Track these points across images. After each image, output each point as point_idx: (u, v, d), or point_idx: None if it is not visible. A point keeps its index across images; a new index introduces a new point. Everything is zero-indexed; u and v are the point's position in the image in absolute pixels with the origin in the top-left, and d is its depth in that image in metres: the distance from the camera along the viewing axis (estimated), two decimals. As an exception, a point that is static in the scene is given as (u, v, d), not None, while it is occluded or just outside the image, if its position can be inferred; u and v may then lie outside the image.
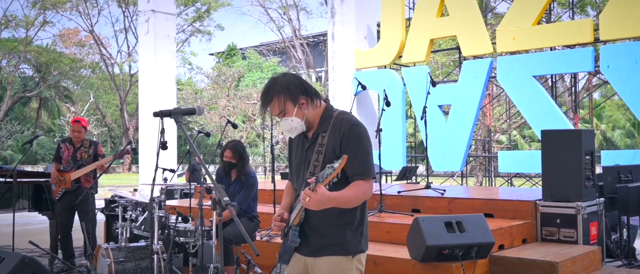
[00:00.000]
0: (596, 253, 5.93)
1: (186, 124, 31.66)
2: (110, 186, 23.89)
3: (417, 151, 15.63)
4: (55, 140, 36.99)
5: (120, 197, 5.82)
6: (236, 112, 29.92)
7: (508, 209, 6.49)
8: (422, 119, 7.64)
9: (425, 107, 7.62)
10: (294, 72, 3.12)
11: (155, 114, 2.94)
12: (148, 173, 17.00)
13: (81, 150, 6.86)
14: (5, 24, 36.71)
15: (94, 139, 7.07)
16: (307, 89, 2.94)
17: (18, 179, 7.18)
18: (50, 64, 39.12)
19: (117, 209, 5.69)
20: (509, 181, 13.82)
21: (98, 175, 6.77)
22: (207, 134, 7.52)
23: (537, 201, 6.38)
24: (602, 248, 6.24)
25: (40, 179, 7.57)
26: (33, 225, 11.08)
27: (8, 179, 7.07)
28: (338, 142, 2.88)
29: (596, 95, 35.29)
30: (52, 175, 6.92)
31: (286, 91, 2.89)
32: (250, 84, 35.36)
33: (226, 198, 2.53)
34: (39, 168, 26.74)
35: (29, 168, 35.76)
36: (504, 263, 5.45)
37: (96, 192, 6.65)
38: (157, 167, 4.70)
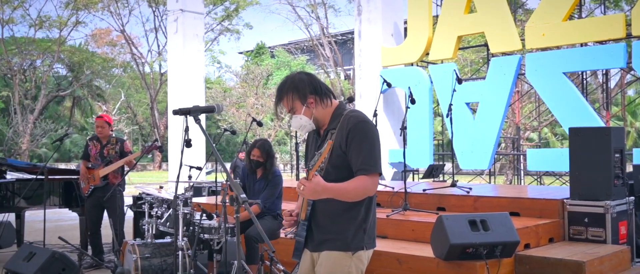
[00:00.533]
0: (625, 253, 5.82)
1: (215, 122, 32.00)
2: (140, 183, 24.27)
3: (445, 149, 15.50)
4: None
5: (147, 194, 5.91)
6: (264, 110, 30.10)
7: (535, 207, 6.41)
8: (447, 116, 7.58)
9: (450, 104, 7.56)
10: (308, 72, 3.14)
11: (175, 112, 2.99)
12: (176, 171, 17.22)
13: (108, 147, 6.98)
14: (40, 25, 37.50)
15: (121, 137, 7.18)
16: (316, 89, 2.97)
17: (49, 177, 7.34)
18: (83, 63, 39.87)
19: (144, 206, 5.78)
20: (539, 180, 13.63)
21: (126, 172, 6.89)
22: (233, 132, 7.57)
23: (565, 200, 6.28)
24: (631, 247, 6.12)
25: (71, 177, 7.73)
26: (65, 221, 11.31)
27: (40, 177, 7.23)
28: (344, 138, 2.90)
29: (631, 92, 34.57)
30: (81, 172, 7.06)
31: (295, 89, 2.95)
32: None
33: (243, 195, 2.56)
34: (72, 166, 27.25)
35: (62, 166, 36.52)
36: (530, 262, 5.39)
37: (124, 189, 6.76)
38: (181, 165, 4.77)
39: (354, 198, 2.90)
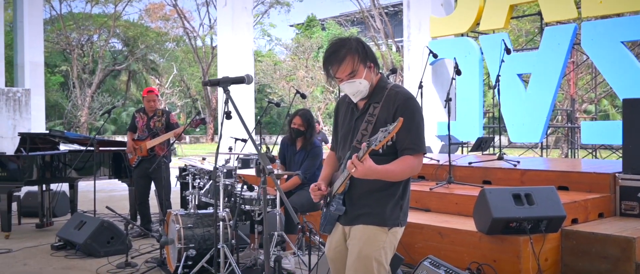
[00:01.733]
0: (679, 230, 5.57)
1: (266, 95, 32.19)
2: (192, 155, 24.77)
3: (497, 121, 15.15)
4: (116, 103, 38.61)
5: (192, 165, 6.00)
6: (314, 83, 30.08)
7: (584, 181, 6.19)
8: (494, 88, 7.38)
9: (498, 75, 7.35)
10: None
11: (204, 84, 2.98)
12: (226, 143, 17.49)
13: (154, 119, 7.10)
14: (96, 1, 38.38)
15: (171, 110, 7.30)
16: (374, 55, 2.90)
17: (99, 148, 7.54)
18: (138, 38, 40.69)
19: (188, 177, 5.87)
20: (594, 153, 13.18)
21: (172, 142, 7.01)
22: (277, 104, 7.59)
23: (617, 174, 6.05)
24: (687, 224, 5.85)
25: (119, 148, 7.92)
26: (118, 191, 11.67)
27: (90, 148, 7.44)
28: (391, 115, 2.82)
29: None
30: (128, 144, 7.22)
31: (362, 51, 2.84)
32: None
33: (269, 166, 2.54)
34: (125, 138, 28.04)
35: (119, 138, 37.60)
36: (576, 238, 5.23)
37: (170, 160, 6.88)
38: (220, 136, 4.80)
39: (400, 179, 2.85)
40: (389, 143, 2.58)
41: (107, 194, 11.43)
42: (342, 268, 3.04)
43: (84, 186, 9.05)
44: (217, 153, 4.83)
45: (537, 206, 5.03)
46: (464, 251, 5.24)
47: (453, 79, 7.01)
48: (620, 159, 12.40)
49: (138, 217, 7.44)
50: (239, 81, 2.94)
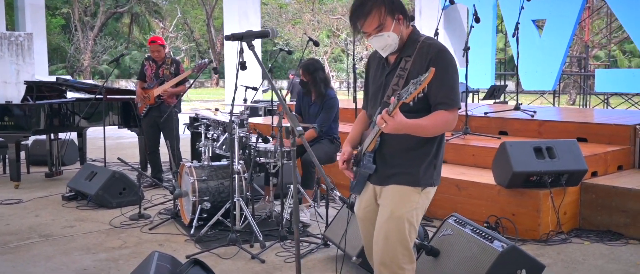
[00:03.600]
0: (701, 183, 5.48)
1: (270, 40, 31.83)
2: (198, 100, 24.61)
3: (507, 68, 14.92)
4: (124, 51, 38.25)
5: (204, 117, 5.87)
6: (320, 27, 29.65)
7: (603, 133, 6.08)
8: (513, 36, 7.16)
9: (517, 23, 7.13)
10: None
11: (227, 38, 2.83)
12: (232, 91, 17.32)
13: (163, 67, 6.95)
14: (96, -60, 37.52)
15: (177, 57, 7.13)
16: (403, 6, 2.73)
17: (107, 96, 7.42)
18: (140, -21, 39.98)
19: (200, 128, 5.76)
20: (606, 101, 13.01)
21: (181, 94, 6.88)
22: (289, 52, 7.40)
23: (637, 125, 5.92)
24: None
25: (128, 97, 7.80)
26: (126, 139, 11.61)
27: (98, 97, 7.32)
28: (424, 68, 2.66)
29: None
30: (137, 93, 7.09)
31: (389, 2, 2.67)
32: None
33: (299, 128, 2.42)
34: (131, 83, 27.83)
35: (123, 82, 37.44)
36: (596, 191, 5.15)
37: (180, 110, 6.77)
38: (236, 87, 4.67)
39: (433, 134, 2.71)
40: (420, 95, 2.44)
41: (114, 141, 11.37)
42: (372, 227, 2.95)
43: (92, 133, 8.98)
44: (232, 104, 4.71)
45: (558, 159, 4.94)
46: (482, 204, 5.18)
47: (472, 26, 6.78)
48: (632, 108, 12.28)
49: (148, 166, 7.38)
50: (264, 34, 2.78)
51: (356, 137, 3.05)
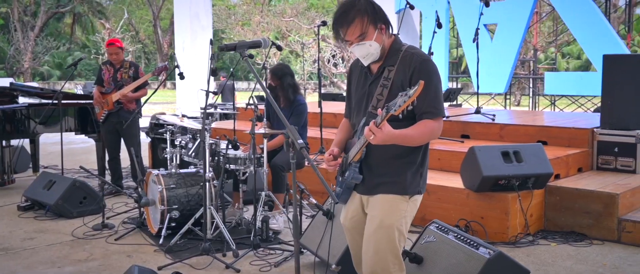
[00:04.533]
0: (656, 184, 5.72)
1: (219, 40, 31.40)
2: (150, 102, 24.05)
3: (457, 71, 15.22)
4: (92, 56, 37.20)
5: (168, 124, 5.73)
6: (270, 29, 29.47)
7: (563, 136, 6.27)
8: (474, 41, 7.30)
9: (477, 29, 7.27)
10: None
11: (221, 48, 2.77)
12: (185, 93, 17.04)
13: (121, 71, 6.76)
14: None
15: (135, 62, 6.94)
16: (385, 16, 2.74)
17: (63, 101, 7.16)
18: (82, -22, 38.87)
19: (165, 134, 5.62)
20: (553, 103, 13.44)
21: (143, 103, 6.71)
22: (250, 56, 7.32)
23: (595, 129, 6.13)
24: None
25: (85, 102, 7.55)
26: (78, 144, 11.24)
27: (54, 102, 7.06)
28: (408, 78, 2.69)
29: (638, 11, 33.80)
30: (95, 97, 6.87)
31: (372, 12, 2.68)
32: (283, 0, 34.67)
33: (301, 141, 2.39)
34: (78, 84, 27.03)
35: (68, 85, 36.25)
36: (560, 194, 5.30)
37: (141, 116, 6.60)
38: (207, 93, 4.59)
39: (420, 143, 2.73)
40: (409, 107, 2.46)
41: (67, 146, 10.95)
42: (359, 237, 2.95)
43: (41, 140, 8.65)
44: (205, 110, 4.63)
45: (525, 163, 5.06)
46: (452, 208, 5.25)
47: (434, 32, 6.87)
48: (579, 110, 12.73)
49: (106, 172, 7.17)
50: (256, 44, 2.75)
51: (342, 142, 3.04)
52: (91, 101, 7.23)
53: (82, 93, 20.46)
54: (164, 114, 10.19)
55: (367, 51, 2.74)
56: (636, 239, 4.93)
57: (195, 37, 17.37)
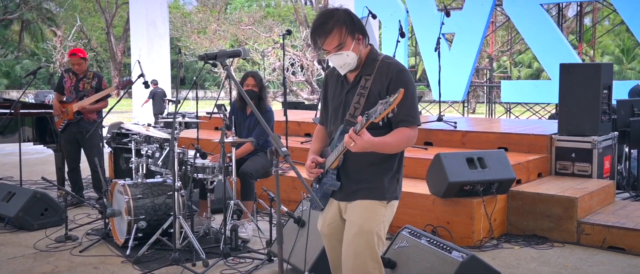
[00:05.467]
0: (611, 187, 5.95)
1: (174, 49, 31.09)
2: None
3: (414, 79, 15.46)
4: (42, 63, 36.24)
5: (134, 133, 5.64)
6: (227, 37, 29.37)
7: (523, 143, 6.45)
8: (436, 50, 7.45)
9: (439, 38, 7.43)
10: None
11: (201, 58, 2.76)
12: (141, 101, 16.81)
13: (84, 81, 6.63)
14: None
15: (99, 73, 6.81)
16: (363, 27, 2.79)
17: (21, 111, 6.98)
18: (31, -16, 37.91)
19: (130, 143, 5.54)
20: (508, 110, 13.80)
21: (104, 115, 6.60)
22: (214, 65, 7.29)
23: (553, 135, 6.33)
24: (614, 181, 6.26)
25: (44, 111, 7.36)
26: (31, 155, 10.94)
27: (9, 111, 6.87)
28: (385, 87, 2.76)
29: (586, 21, 35.09)
30: (54, 106, 6.71)
31: (350, 23, 2.73)
32: (239, 7, 34.58)
33: (284, 149, 2.41)
34: (29, 94, 26.30)
35: (14, 93, 35.32)
36: (522, 198, 5.45)
37: (102, 127, 6.48)
38: (177, 104, 4.55)
39: (397, 151, 2.80)
40: (389, 115, 2.52)
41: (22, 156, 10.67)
42: (337, 243, 2.98)
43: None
44: (174, 122, 4.60)
45: (489, 169, 5.19)
46: (418, 214, 5.33)
47: (398, 41, 6.99)
48: (540, 118, 13.11)
49: (66, 183, 7.02)
50: (236, 54, 2.76)
51: (319, 151, 3.08)
52: (50, 111, 7.07)
53: (34, 102, 19.94)
54: (122, 123, 10.04)
55: (345, 61, 2.79)
56: (594, 241, 5.11)
57: (152, 45, 17.19)
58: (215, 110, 5.95)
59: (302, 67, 25.19)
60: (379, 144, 2.67)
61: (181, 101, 4.99)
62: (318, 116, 3.18)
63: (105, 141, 7.54)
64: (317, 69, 25.16)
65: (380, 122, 2.53)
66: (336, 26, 2.73)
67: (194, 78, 6.45)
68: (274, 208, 4.67)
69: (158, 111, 16.54)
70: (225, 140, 4.76)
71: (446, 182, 5.04)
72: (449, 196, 5.15)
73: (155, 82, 15.15)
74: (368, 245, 2.82)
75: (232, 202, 5.01)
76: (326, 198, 2.98)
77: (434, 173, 5.25)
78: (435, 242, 3.44)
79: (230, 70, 2.62)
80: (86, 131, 6.46)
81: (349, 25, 2.75)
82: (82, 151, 6.73)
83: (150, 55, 16.87)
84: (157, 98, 15.97)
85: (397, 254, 3.61)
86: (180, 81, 4.66)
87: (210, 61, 2.90)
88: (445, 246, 3.37)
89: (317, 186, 2.98)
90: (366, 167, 2.84)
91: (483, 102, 16.68)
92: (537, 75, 34.85)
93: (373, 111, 2.51)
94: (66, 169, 6.88)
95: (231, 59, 2.71)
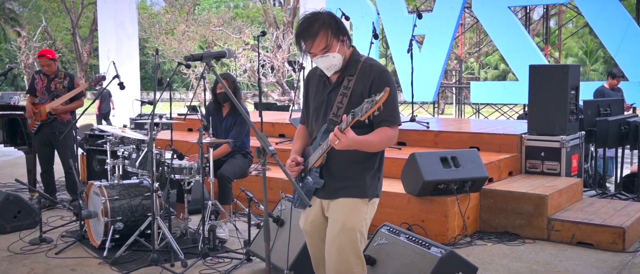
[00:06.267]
0: (578, 185, 6.13)
1: (141, 49, 30.78)
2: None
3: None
4: (12, 64, 35.42)
5: (109, 134, 5.60)
6: (196, 38, 29.17)
7: (494, 142, 6.60)
8: (408, 52, 7.57)
9: (411, 40, 7.55)
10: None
11: (187, 58, 2.79)
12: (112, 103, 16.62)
13: (55, 81, 6.56)
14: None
15: (70, 72, 6.74)
16: (346, 29, 2.86)
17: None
18: (-6, -16, 37.06)
19: (105, 145, 5.51)
20: (478, 111, 14.04)
21: (78, 117, 6.54)
22: (188, 66, 7.30)
23: (523, 135, 6.50)
24: (582, 179, 6.45)
25: (15, 113, 7.25)
26: (0, 157, 10.76)
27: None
28: (367, 88, 2.82)
29: (552, 23, 35.84)
30: (27, 108, 6.63)
31: (335, 25, 2.79)
32: (207, 8, 34.35)
33: (271, 147, 2.45)
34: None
35: (-23, 95, 34.41)
36: (494, 196, 5.59)
37: (77, 128, 6.43)
38: (155, 104, 4.55)
39: (378, 149, 2.87)
40: (375, 113, 2.59)
41: (-13, 160, 10.48)
42: (320, 240, 3.04)
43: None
44: (152, 120, 4.60)
45: (462, 168, 5.31)
46: (393, 212, 5.42)
47: (371, 43, 7.08)
48: (508, 118, 13.36)
49: (38, 185, 6.92)
50: (221, 55, 2.79)
51: (301, 150, 3.13)
52: (22, 112, 6.97)
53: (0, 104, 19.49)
54: (92, 125, 9.93)
55: (331, 62, 2.85)
56: (564, 237, 5.26)
57: (121, 46, 17.00)
58: (189, 112, 5.94)
59: (272, 69, 25.18)
60: (362, 143, 2.74)
61: (156, 102, 4.97)
62: (294, 116, 3.24)
63: (77, 142, 7.46)
64: (287, 70, 25.17)
65: (366, 120, 2.61)
66: (322, 29, 2.79)
67: (168, 79, 6.43)
68: (253, 208, 4.70)
69: (105, 110, 16.46)
70: (203, 141, 4.77)
71: (421, 181, 5.14)
72: (424, 194, 5.25)
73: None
74: (351, 242, 2.88)
75: (209, 202, 5.02)
76: (309, 196, 3.03)
77: (409, 172, 5.34)
78: (413, 239, 3.52)
79: (215, 71, 2.66)
80: (59, 131, 6.40)
81: (334, 28, 2.81)
82: (56, 152, 6.67)
83: (119, 57, 16.67)
84: (106, 98, 15.95)
85: (376, 252, 3.68)
86: (158, 82, 4.66)
87: (188, 63, 2.92)
88: (424, 243, 3.45)
89: (300, 184, 3.03)
90: (349, 165, 2.91)
91: (451, 103, 16.95)
92: (503, 76, 35.47)
93: (359, 109, 2.58)
94: (38, 171, 6.80)
95: (205, 61, 2.72)
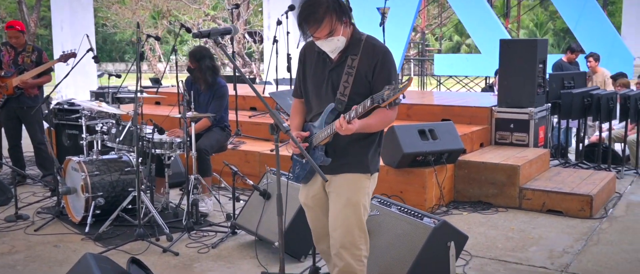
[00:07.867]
0: (546, 155, 6.37)
1: (98, 22, 29.90)
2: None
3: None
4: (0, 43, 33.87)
5: (84, 109, 5.46)
6: (149, 7, 28.44)
7: (465, 115, 6.76)
8: (381, 25, 7.63)
9: (383, 13, 7.59)
10: None
11: (195, 35, 2.76)
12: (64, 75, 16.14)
13: (23, 54, 6.38)
14: None
15: (39, 46, 6.55)
16: (347, 9, 2.86)
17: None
18: None
19: (80, 120, 5.39)
20: (439, 83, 14.27)
21: (50, 92, 6.38)
22: (157, 38, 7.21)
23: (493, 107, 6.68)
24: (549, 150, 6.69)
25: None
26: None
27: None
28: (371, 68, 2.86)
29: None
30: (-8, 81, 6.44)
31: (338, 8, 2.77)
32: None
33: (285, 124, 2.48)
34: None
35: None
36: (468, 167, 5.76)
37: (51, 101, 6.28)
38: (139, 79, 4.50)
39: (378, 130, 2.96)
40: (354, 93, 2.66)
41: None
42: (322, 214, 3.10)
43: None
44: (136, 96, 4.55)
45: (439, 140, 5.45)
46: (372, 184, 5.52)
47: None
48: (468, 90, 13.63)
49: (6, 160, 6.76)
50: (226, 31, 2.79)
51: (300, 125, 3.14)
52: (-15, 86, 6.75)
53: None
54: (50, 98, 9.63)
55: (335, 45, 2.86)
56: (534, 205, 5.49)
57: (75, 16, 16.48)
58: (152, 84, 5.85)
59: (232, 40, 24.83)
60: (363, 128, 2.81)
61: (124, 76, 4.89)
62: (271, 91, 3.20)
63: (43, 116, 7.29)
64: (247, 41, 24.90)
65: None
66: (327, 14, 2.76)
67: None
68: (238, 181, 4.72)
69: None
70: (188, 115, 4.75)
71: (401, 154, 5.25)
72: (403, 166, 5.37)
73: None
74: (355, 215, 2.95)
75: (192, 177, 5.02)
76: (312, 173, 3.07)
77: (388, 145, 5.43)
78: (405, 210, 3.62)
79: (223, 48, 2.65)
80: (28, 106, 6.25)
81: (338, 12, 2.79)
82: (24, 127, 6.51)
83: (73, 28, 16.17)
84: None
85: (368, 223, 3.75)
86: (140, 56, 4.58)
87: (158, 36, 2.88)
88: (416, 213, 3.56)
89: (304, 160, 3.06)
90: (353, 142, 2.95)
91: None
92: (457, 48, 35.99)
93: (379, 96, 2.59)
94: (6, 146, 6.63)
95: (213, 38, 2.70)
